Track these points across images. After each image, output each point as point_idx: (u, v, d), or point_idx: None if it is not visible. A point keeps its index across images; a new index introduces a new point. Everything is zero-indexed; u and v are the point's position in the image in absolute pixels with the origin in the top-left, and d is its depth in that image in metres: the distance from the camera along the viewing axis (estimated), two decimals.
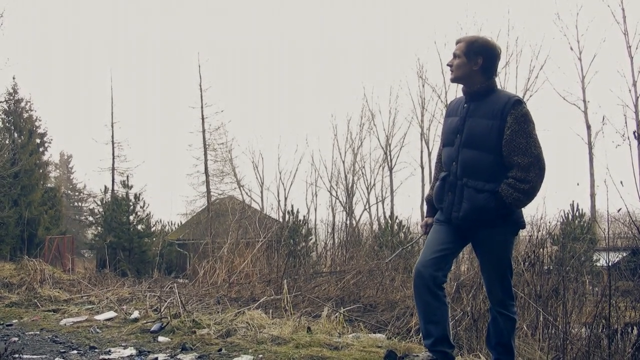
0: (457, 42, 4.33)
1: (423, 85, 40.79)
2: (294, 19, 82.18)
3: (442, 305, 4.20)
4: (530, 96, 35.80)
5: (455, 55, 4.29)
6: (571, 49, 34.25)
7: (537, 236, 8.88)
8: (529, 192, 4.00)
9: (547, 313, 7.25)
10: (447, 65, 4.36)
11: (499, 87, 4.37)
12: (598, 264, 14.93)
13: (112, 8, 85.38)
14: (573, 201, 22.28)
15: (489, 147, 4.09)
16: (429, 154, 39.92)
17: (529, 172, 3.98)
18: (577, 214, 22.10)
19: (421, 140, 40.70)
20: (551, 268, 8.96)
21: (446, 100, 38.81)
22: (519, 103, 4.06)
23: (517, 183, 3.98)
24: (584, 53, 34.09)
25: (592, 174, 32.93)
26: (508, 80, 36.75)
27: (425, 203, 4.80)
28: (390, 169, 44.21)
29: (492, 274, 4.26)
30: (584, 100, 33.69)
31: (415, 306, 4.67)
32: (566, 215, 21.69)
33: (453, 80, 4.36)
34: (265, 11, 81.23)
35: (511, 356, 4.31)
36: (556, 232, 16.88)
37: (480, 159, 4.12)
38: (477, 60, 4.18)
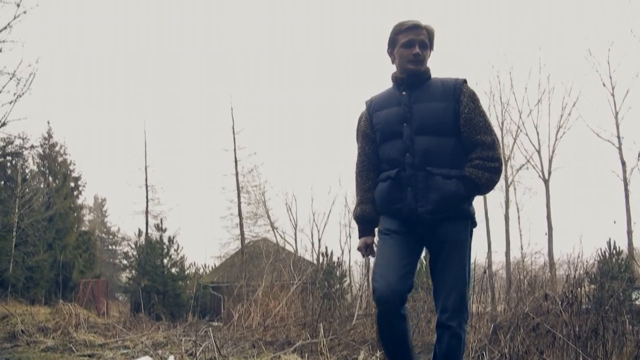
0: (418, 27, 4.00)
1: None
2: (324, 57, 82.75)
3: (408, 326, 3.96)
4: (564, 133, 35.87)
5: (425, 45, 4.01)
6: (604, 85, 34.14)
7: (575, 275, 8.78)
8: (499, 170, 3.88)
9: (586, 354, 7.13)
10: (415, 54, 3.95)
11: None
12: (637, 303, 14.70)
13: (144, 51, 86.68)
14: (610, 239, 22.00)
15: (447, 131, 3.89)
16: None
17: (495, 149, 3.88)
18: (614, 251, 21.80)
19: None
20: (589, 307, 8.85)
21: None
22: (466, 82, 3.99)
23: (486, 162, 3.83)
24: (616, 89, 33.98)
25: (628, 211, 32.60)
26: (541, 117, 36.79)
27: (356, 222, 4.30)
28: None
29: (451, 278, 3.87)
30: (618, 137, 33.45)
31: (382, 339, 4.05)
32: (603, 253, 21.40)
33: (419, 72, 4.00)
34: (295, 51, 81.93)
35: None
36: (593, 271, 16.68)
37: (440, 144, 3.87)
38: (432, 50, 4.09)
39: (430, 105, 3.91)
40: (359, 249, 4.26)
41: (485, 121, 3.91)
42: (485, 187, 3.86)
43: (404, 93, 4.01)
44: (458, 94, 3.92)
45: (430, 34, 4.03)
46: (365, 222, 4.18)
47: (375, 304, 3.91)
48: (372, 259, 4.25)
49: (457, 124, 3.90)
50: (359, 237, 4.25)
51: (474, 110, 3.90)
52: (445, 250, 3.89)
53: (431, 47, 4.05)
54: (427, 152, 3.84)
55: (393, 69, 4.16)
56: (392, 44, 4.08)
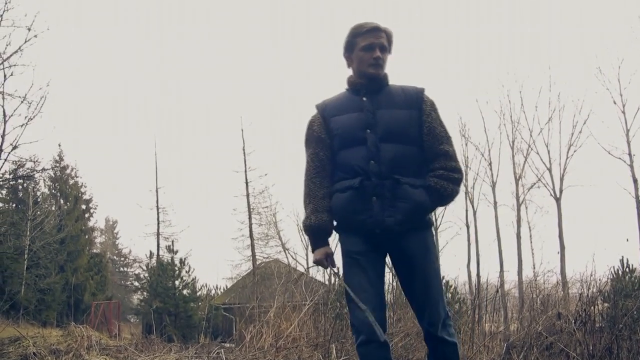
0: (378, 29, 3.88)
1: (466, 144, 40.31)
2: (332, 75, 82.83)
3: (391, 355, 3.70)
4: (575, 151, 35.60)
5: (384, 48, 3.88)
6: (614, 102, 33.89)
7: (588, 294, 8.73)
8: (461, 182, 3.77)
9: None
10: (376, 58, 3.83)
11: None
12: None
13: (155, 74, 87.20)
14: (622, 257, 21.84)
15: (411, 139, 3.77)
16: (474, 212, 39.55)
17: (457, 161, 3.80)
18: (627, 269, 21.64)
19: (466, 198, 40.28)
20: (603, 326, 8.79)
21: (489, 158, 38.71)
22: (425, 91, 3.88)
23: (450, 173, 3.73)
24: (627, 106, 33.62)
25: None
26: (551, 136, 36.60)
27: (309, 233, 3.93)
28: (436, 229, 43.82)
29: (433, 291, 3.75)
30: (630, 154, 33.16)
31: None
32: (616, 271, 21.25)
33: (378, 77, 3.89)
34: (306, 69, 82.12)
35: None
36: (607, 289, 16.58)
37: (405, 153, 3.73)
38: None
39: (394, 113, 3.80)
40: (317, 261, 3.91)
41: (445, 131, 3.85)
42: (448, 198, 3.76)
43: (364, 99, 3.86)
44: (420, 103, 3.84)
45: (389, 37, 3.92)
46: (321, 231, 3.88)
47: (355, 335, 3.72)
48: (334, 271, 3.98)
49: (420, 133, 3.81)
50: (314, 249, 3.94)
51: (436, 120, 3.83)
52: (419, 264, 3.75)
53: (390, 51, 3.94)
54: (394, 160, 3.71)
55: (349, 72, 4.02)
56: (350, 47, 3.94)
